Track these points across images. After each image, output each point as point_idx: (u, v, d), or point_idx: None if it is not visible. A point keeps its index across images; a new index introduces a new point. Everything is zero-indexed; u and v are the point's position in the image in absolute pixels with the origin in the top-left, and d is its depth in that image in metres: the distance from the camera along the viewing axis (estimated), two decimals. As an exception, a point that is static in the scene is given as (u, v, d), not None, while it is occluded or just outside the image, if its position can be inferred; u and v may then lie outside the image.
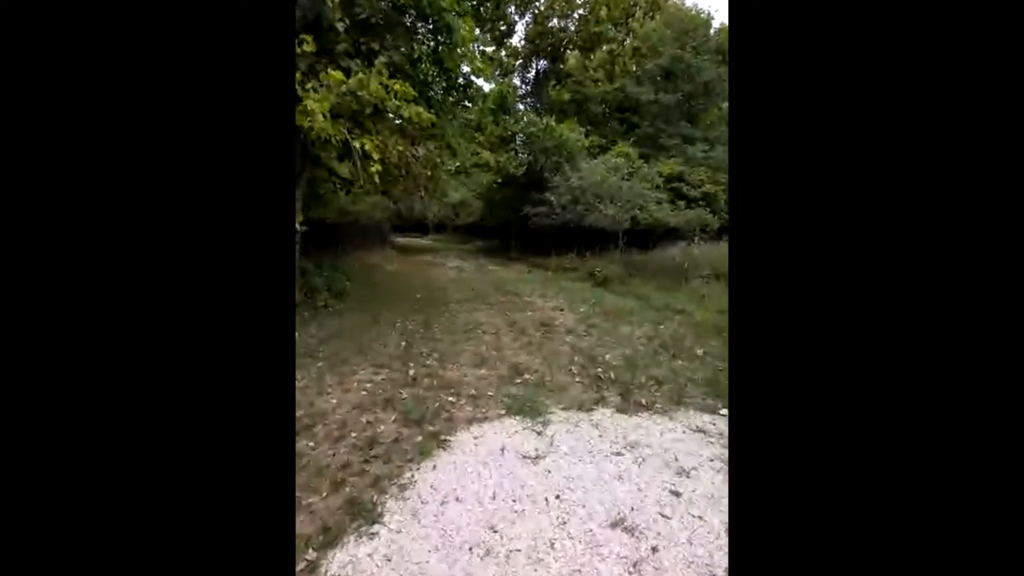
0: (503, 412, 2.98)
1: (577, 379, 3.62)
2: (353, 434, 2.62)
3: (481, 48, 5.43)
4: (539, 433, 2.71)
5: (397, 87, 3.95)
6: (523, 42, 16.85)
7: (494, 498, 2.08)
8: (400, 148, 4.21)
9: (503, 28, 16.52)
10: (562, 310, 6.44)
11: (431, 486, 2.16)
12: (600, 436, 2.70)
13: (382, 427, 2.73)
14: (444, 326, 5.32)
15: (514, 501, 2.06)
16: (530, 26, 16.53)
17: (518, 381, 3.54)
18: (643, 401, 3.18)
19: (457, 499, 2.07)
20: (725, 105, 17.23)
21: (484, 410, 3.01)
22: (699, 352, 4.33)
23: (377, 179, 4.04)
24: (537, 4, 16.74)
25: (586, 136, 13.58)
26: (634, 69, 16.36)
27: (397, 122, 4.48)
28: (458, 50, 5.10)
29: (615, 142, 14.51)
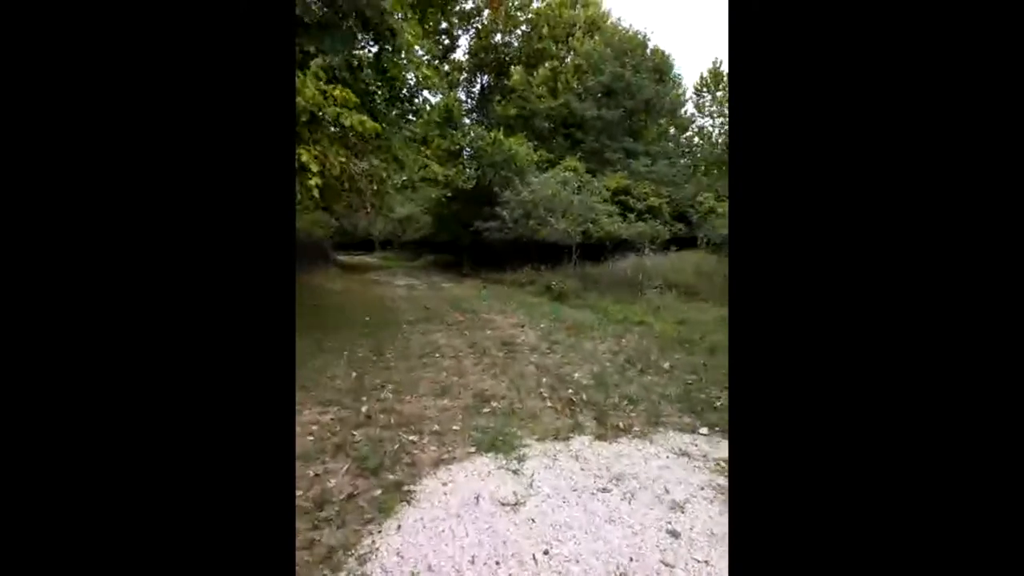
0: (473, 449, 2.66)
1: (548, 403, 3.37)
2: (298, 492, 2.20)
3: (427, 55, 5.15)
4: (515, 472, 2.42)
5: (336, 93, 3.60)
6: (467, 56, 16.84)
7: (473, 562, 1.76)
8: (342, 160, 3.83)
9: (446, 42, 16.42)
10: (523, 327, 6.21)
11: (397, 553, 1.81)
12: (582, 469, 2.46)
13: (332, 481, 2.32)
14: (398, 351, 4.91)
15: (497, 564, 1.76)
16: (474, 40, 16.56)
17: (485, 410, 3.24)
18: (620, 424, 2.99)
19: (430, 568, 1.73)
20: (663, 121, 18.08)
21: (451, 448, 2.68)
22: (666, 366, 4.23)
23: (317, 193, 3.63)
24: (480, 19, 16.81)
25: (534, 151, 13.62)
26: (576, 86, 16.77)
27: (337, 132, 4.09)
28: (402, 56, 4.81)
29: (562, 157, 14.69)
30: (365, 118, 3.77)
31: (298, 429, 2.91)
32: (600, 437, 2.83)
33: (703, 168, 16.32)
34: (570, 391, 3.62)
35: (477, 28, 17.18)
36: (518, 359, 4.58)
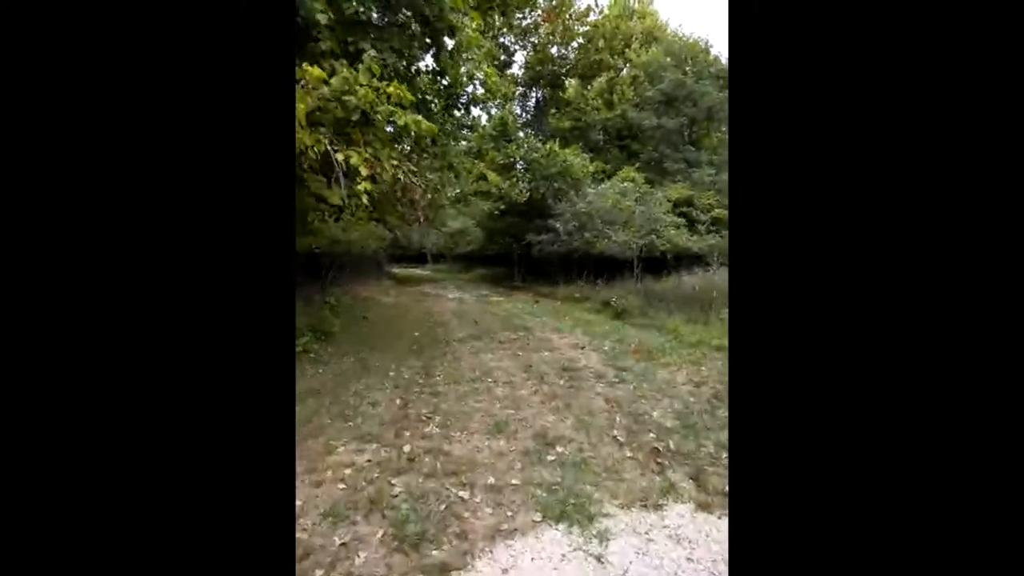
0: (538, 517, 2.09)
1: (627, 452, 2.74)
2: (318, 572, 1.73)
3: (487, 58, 4.78)
4: (599, 559, 1.82)
5: (391, 90, 3.23)
6: (523, 70, 16.68)
7: None
8: (395, 163, 3.45)
9: (503, 58, 16.34)
10: (582, 348, 5.59)
11: None
12: (689, 558, 1.82)
13: (363, 554, 1.83)
14: (447, 373, 4.45)
15: None
16: (530, 54, 16.39)
17: (550, 458, 2.66)
18: (727, 488, 2.31)
19: None
20: (726, 129, 16.90)
21: (511, 512, 2.13)
22: (767, 406, 3.47)
23: (366, 200, 3.27)
24: (537, 33, 16.63)
25: (589, 163, 13.06)
26: (632, 97, 16.10)
27: (390, 133, 3.74)
28: (462, 56, 4.44)
29: (618, 168, 14.02)
30: (420, 118, 3.39)
31: (329, 473, 2.47)
32: (703, 506, 2.17)
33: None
34: (651, 435, 2.97)
35: (533, 43, 17.03)
36: (582, 389, 3.97)
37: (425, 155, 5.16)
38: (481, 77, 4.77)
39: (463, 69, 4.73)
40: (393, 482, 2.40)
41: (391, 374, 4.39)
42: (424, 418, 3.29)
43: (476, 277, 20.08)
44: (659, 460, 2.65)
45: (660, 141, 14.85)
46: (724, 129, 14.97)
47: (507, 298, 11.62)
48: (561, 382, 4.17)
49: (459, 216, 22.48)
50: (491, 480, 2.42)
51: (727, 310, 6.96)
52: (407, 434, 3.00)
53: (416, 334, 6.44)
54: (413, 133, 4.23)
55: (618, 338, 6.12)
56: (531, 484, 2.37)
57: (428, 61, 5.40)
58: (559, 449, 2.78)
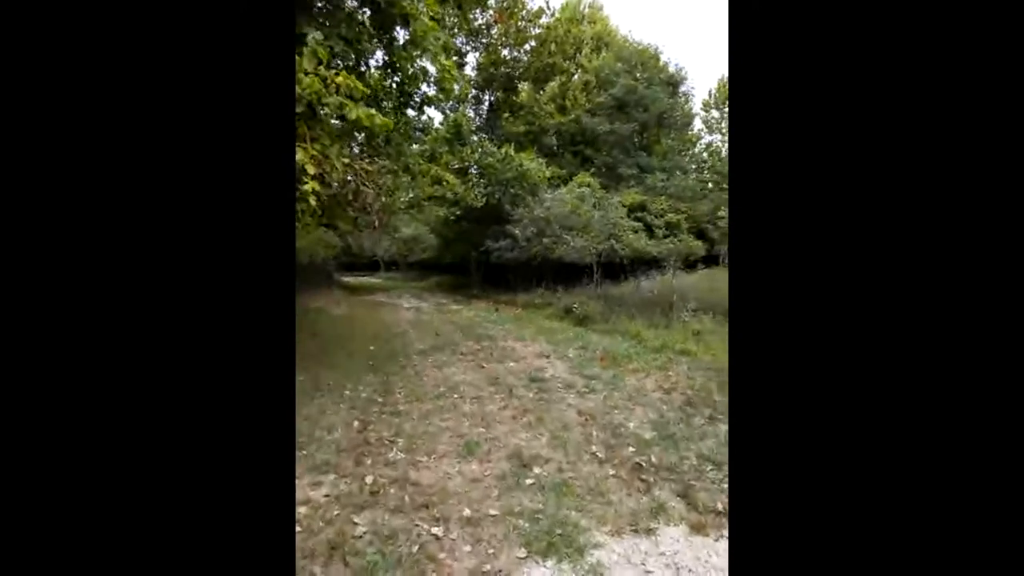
0: (523, 553, 1.88)
1: (609, 469, 2.59)
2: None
3: (446, 46, 4.53)
4: (596, 601, 1.63)
5: (340, 80, 2.93)
6: (475, 71, 16.49)
7: None
8: (345, 161, 3.14)
9: (455, 59, 16.12)
10: (548, 357, 5.44)
11: None
12: (690, 591, 1.67)
13: (322, 622, 1.54)
14: (409, 390, 4.14)
15: None
16: (482, 55, 16.24)
17: (528, 481, 2.46)
18: (719, 506, 2.20)
19: None
20: (676, 135, 17.58)
21: (492, 549, 1.90)
22: (739, 409, 3.44)
23: (314, 202, 2.93)
24: (489, 34, 16.53)
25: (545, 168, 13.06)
26: (585, 102, 16.35)
27: (339, 127, 3.41)
28: (417, 48, 4.18)
29: (572, 174, 14.13)
30: (374, 112, 3.10)
31: (279, 517, 2.14)
32: (697, 528, 2.04)
33: (718, 183, 15.70)
34: (630, 449, 2.84)
35: (485, 43, 16.91)
36: (552, 401, 3.80)
37: (378, 155, 4.84)
38: (436, 71, 4.49)
39: (417, 63, 4.45)
40: (356, 520, 2.11)
41: (347, 393, 4.02)
42: (386, 442, 2.98)
43: (432, 285, 19.60)
44: (643, 477, 2.51)
45: (613, 146, 15.15)
46: (674, 135, 15.56)
47: (466, 306, 11.33)
48: (530, 394, 3.98)
49: (412, 222, 21.91)
50: (467, 512, 2.17)
51: (687, 313, 7.07)
52: (368, 461, 2.69)
53: (372, 348, 6.04)
54: (365, 130, 3.93)
55: (582, 345, 6.02)
56: (511, 514, 2.15)
57: (378, 57, 5.11)
58: (537, 470, 2.58)
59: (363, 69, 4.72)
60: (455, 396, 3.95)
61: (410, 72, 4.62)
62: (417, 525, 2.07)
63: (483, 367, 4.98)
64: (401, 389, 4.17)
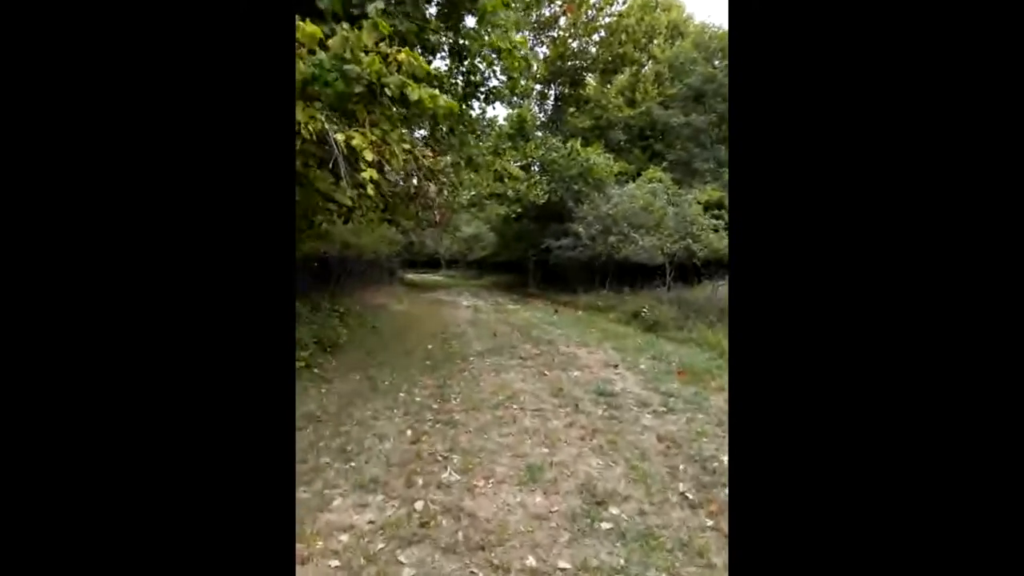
0: (604, 633, 1.47)
1: (704, 517, 2.10)
2: None
3: (517, 23, 4.18)
4: None
5: (402, 57, 2.66)
6: (541, 66, 16.04)
7: None
8: (407, 147, 2.88)
9: (522, 53, 15.77)
10: (616, 367, 4.95)
11: None
12: None
13: None
14: (465, 396, 3.85)
15: None
16: (550, 47, 15.77)
17: (605, 525, 2.04)
18: None
19: None
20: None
21: (563, 622, 1.51)
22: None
23: (372, 191, 2.70)
24: (558, 25, 16.04)
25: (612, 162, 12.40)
26: (655, 94, 15.41)
27: (401, 111, 3.16)
28: (486, 29, 3.86)
29: (640, 169, 13.32)
30: (437, 93, 2.81)
31: (320, 543, 1.88)
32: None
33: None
34: (727, 491, 2.32)
35: (552, 37, 16.44)
36: (625, 421, 3.33)
37: (441, 146, 4.59)
38: (505, 49, 4.13)
39: (486, 44, 4.13)
40: (402, 558, 1.80)
41: (401, 396, 3.80)
42: (440, 457, 2.68)
43: (490, 284, 19.54)
44: (749, 531, 2.00)
45: (688, 140, 14.12)
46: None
47: (523, 306, 11.01)
48: (599, 411, 3.54)
49: (473, 220, 22.02)
50: (531, 561, 1.80)
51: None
52: (419, 482, 2.40)
53: (429, 347, 5.86)
54: (428, 116, 3.67)
55: (654, 355, 5.46)
56: (586, 569, 1.75)
57: (443, 50, 4.88)
58: (614, 511, 2.15)
59: (429, 59, 4.51)
60: (514, 407, 3.60)
61: (477, 57, 4.32)
62: (473, 573, 1.73)
63: (544, 374, 4.59)
64: (457, 395, 3.88)
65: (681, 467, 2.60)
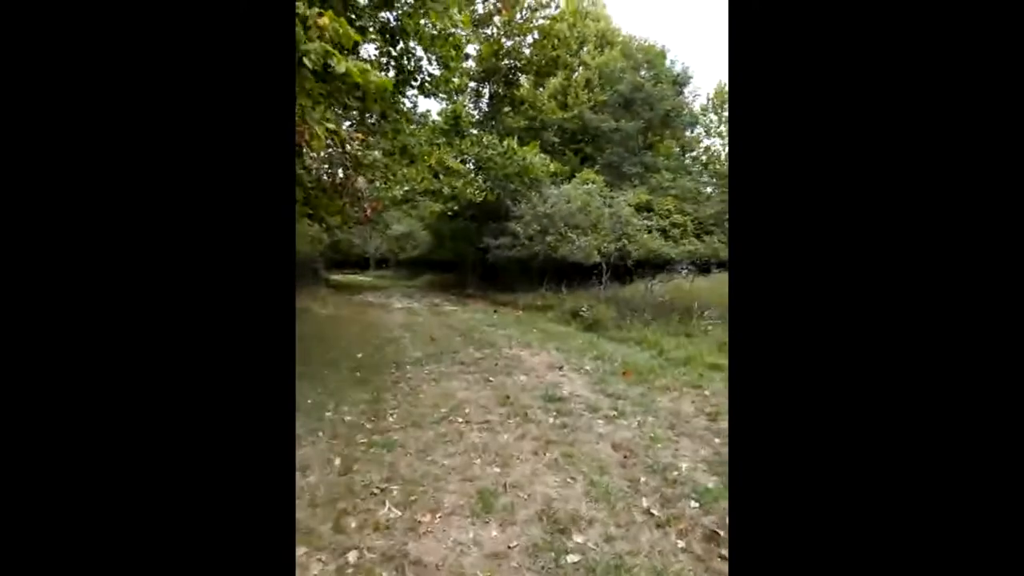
0: None
1: (674, 537, 1.94)
2: None
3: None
4: None
5: (324, 22, 2.26)
6: (474, 63, 15.72)
7: None
8: (330, 126, 2.46)
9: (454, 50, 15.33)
10: (561, 369, 4.80)
11: None
12: None
13: None
14: (403, 411, 3.47)
15: None
16: (484, 44, 15.49)
17: (571, 557, 1.80)
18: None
19: None
20: (686, 134, 17.06)
21: None
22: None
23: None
24: (492, 22, 15.79)
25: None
26: (586, 100, 15.74)
27: (322, 87, 2.72)
28: (423, 5, 3.50)
29: (574, 171, 13.51)
30: (368, 67, 2.42)
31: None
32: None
33: (720, 186, 15.18)
34: (693, 504, 2.20)
35: (487, 35, 16.19)
36: (578, 428, 3.15)
37: (372, 135, 4.14)
38: (446, 26, 3.80)
39: (423, 21, 3.77)
40: (328, 633, 1.43)
41: (327, 415, 3.33)
42: (376, 490, 2.30)
43: (424, 284, 18.88)
44: (717, 543, 1.87)
45: (618, 144, 14.54)
46: (679, 135, 15.01)
47: (462, 307, 10.65)
48: (550, 419, 3.33)
49: (404, 218, 21.18)
50: (492, 617, 1.51)
51: (706, 321, 6.48)
52: (352, 524, 2.01)
53: (359, 355, 5.34)
54: (356, 96, 3.25)
55: (597, 355, 5.39)
56: (556, 620, 1.49)
57: (373, 31, 4.43)
58: (579, 539, 1.93)
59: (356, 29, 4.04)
60: (459, 421, 3.28)
61: (412, 40, 3.93)
62: (421, 642, 1.40)
63: (489, 381, 4.32)
64: (394, 410, 3.48)
65: (642, 479, 2.44)
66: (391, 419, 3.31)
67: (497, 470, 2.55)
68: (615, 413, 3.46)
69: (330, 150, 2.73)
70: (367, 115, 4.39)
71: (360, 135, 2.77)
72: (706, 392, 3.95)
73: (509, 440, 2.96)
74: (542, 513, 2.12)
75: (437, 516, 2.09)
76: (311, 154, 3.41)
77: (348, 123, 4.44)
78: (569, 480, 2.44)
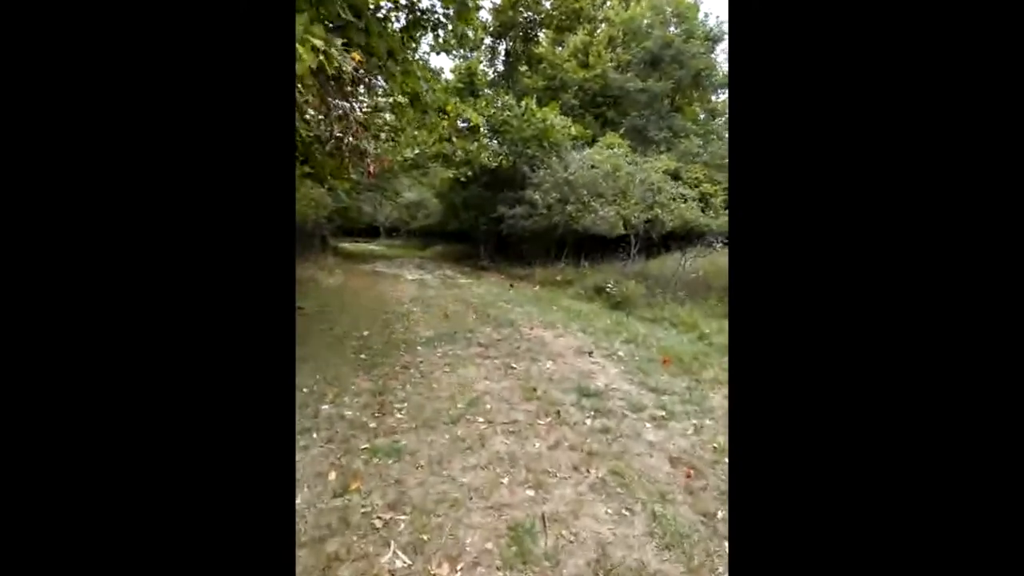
0: None
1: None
2: None
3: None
4: None
5: None
6: (489, 15, 14.53)
7: None
8: (316, 41, 1.82)
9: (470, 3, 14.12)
10: (590, 354, 4.25)
11: None
12: None
13: None
14: (413, 405, 2.96)
15: None
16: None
17: (649, 650, 1.27)
18: None
19: None
20: (717, 97, 15.86)
21: None
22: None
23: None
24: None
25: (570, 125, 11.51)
26: (608, 59, 14.58)
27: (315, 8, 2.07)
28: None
29: (595, 135, 12.59)
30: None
31: None
32: None
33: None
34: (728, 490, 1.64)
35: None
36: (623, 435, 2.61)
37: (379, 76, 3.47)
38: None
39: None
40: None
41: (325, 409, 2.83)
42: (378, 521, 1.80)
43: (435, 255, 18.32)
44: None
45: (644, 107, 13.48)
46: (713, 97, 13.86)
47: (476, 281, 10.09)
48: (587, 421, 2.79)
49: (415, 186, 20.44)
50: None
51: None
52: (343, 562, 1.50)
53: (366, 333, 4.83)
54: (356, 27, 2.58)
55: (628, 338, 4.82)
56: None
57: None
58: (654, 613, 1.39)
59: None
60: (480, 420, 2.76)
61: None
62: None
63: (512, 368, 3.78)
64: (403, 404, 2.97)
65: (718, 513, 1.90)
66: (399, 416, 2.80)
67: (531, 493, 2.02)
68: (663, 414, 2.91)
69: (326, 90, 2.12)
70: (371, 56, 3.71)
71: (357, 56, 2.14)
72: (766, 388, 3.37)
73: (542, 449, 2.43)
74: (596, 564, 1.59)
75: (458, 568, 1.57)
76: (306, 99, 2.78)
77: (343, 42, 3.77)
78: (625, 512, 1.90)
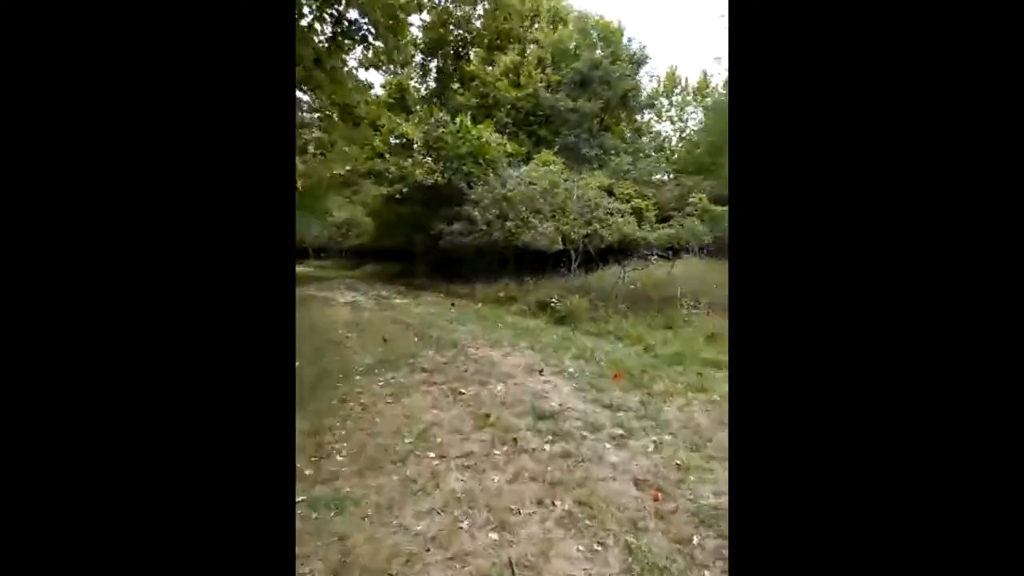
0: None
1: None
2: None
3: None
4: None
5: None
6: (419, 32, 14.36)
7: None
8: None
9: (400, 15, 13.90)
10: (541, 372, 4.14)
11: None
12: None
13: None
14: (355, 444, 2.65)
15: None
16: (431, 12, 14.17)
17: None
18: None
19: None
20: (642, 117, 16.80)
21: None
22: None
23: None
24: (440, -9, 14.51)
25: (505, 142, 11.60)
26: (538, 79, 15.03)
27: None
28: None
29: (529, 153, 12.81)
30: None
31: None
32: None
33: (678, 170, 15.10)
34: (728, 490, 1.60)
35: (435, 2, 14.91)
36: (585, 458, 2.50)
37: (303, 85, 3.19)
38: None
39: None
40: None
41: (250, 458, 2.44)
42: (319, 594, 1.51)
43: (368, 275, 17.55)
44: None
45: (575, 126, 13.96)
46: (638, 117, 14.68)
47: (413, 300, 9.72)
48: (546, 446, 2.65)
49: (346, 204, 19.58)
50: None
51: (686, 310, 6.07)
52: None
53: (296, 363, 4.38)
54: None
55: (577, 353, 4.78)
56: None
57: None
58: (645, 668, 1.26)
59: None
60: (431, 455, 2.52)
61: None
62: None
63: (461, 394, 3.56)
64: (342, 444, 2.66)
65: (694, 538, 1.82)
66: (339, 458, 2.49)
67: (494, 536, 1.83)
68: (622, 432, 2.85)
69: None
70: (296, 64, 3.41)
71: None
72: (715, 397, 3.44)
73: (501, 483, 2.24)
74: (576, 616, 1.43)
75: (420, 644, 1.34)
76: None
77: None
78: (597, 547, 1.77)
